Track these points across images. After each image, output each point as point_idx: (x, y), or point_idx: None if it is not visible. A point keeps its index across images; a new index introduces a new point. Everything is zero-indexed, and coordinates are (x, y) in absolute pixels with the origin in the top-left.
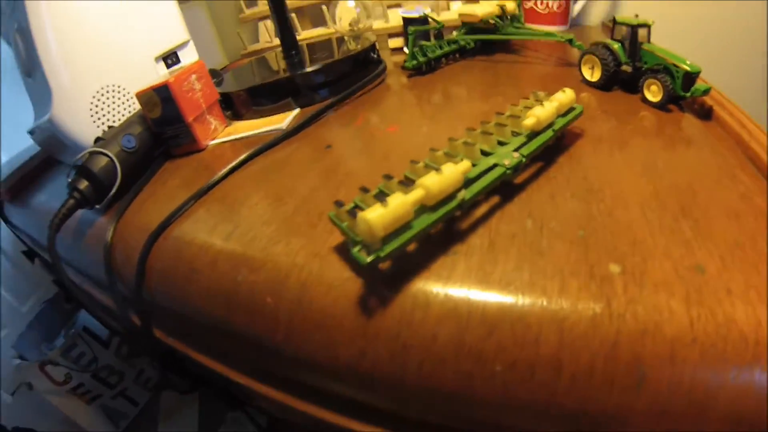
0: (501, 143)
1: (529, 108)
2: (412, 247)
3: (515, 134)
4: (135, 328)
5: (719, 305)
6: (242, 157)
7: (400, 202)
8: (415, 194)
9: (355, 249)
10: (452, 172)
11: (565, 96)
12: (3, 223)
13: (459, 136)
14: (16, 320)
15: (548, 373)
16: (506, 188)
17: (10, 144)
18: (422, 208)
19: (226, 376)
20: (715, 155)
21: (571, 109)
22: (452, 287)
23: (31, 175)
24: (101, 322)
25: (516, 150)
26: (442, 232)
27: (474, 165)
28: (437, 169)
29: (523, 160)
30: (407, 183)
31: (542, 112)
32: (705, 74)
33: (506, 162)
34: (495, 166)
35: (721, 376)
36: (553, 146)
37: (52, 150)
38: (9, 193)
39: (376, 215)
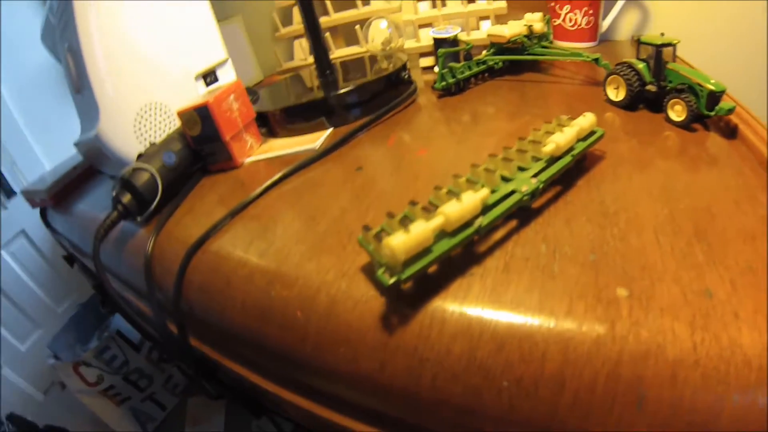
0: (521, 169)
1: (550, 133)
2: (433, 268)
3: (535, 159)
4: (171, 335)
5: (725, 329)
6: (276, 176)
7: (421, 230)
8: (436, 221)
9: (380, 271)
10: (471, 200)
11: (585, 120)
12: (43, 227)
13: (483, 160)
14: (51, 321)
15: (552, 389)
16: (524, 212)
17: (52, 153)
18: (442, 234)
19: (256, 384)
20: (737, 176)
21: (592, 133)
22: (467, 306)
23: (73, 183)
24: (136, 327)
25: (535, 176)
26: (460, 255)
27: (493, 191)
28: (458, 197)
29: (540, 186)
30: (430, 209)
31: (561, 138)
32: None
33: (524, 188)
34: (513, 192)
35: (723, 399)
36: (573, 169)
37: (94, 161)
38: (53, 200)
39: (398, 242)
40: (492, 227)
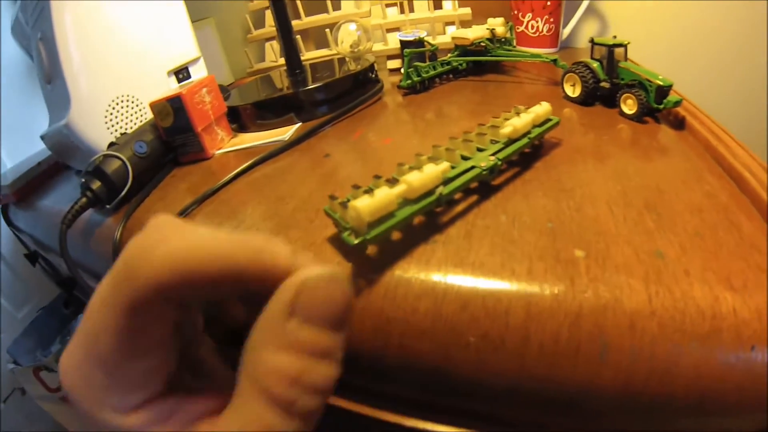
0: (480, 150)
1: (508, 119)
2: (397, 236)
3: (494, 142)
4: None
5: (677, 284)
6: (247, 164)
7: (385, 194)
8: (399, 188)
9: (345, 234)
10: (432, 170)
11: (541, 108)
12: (3, 228)
13: (444, 144)
14: (11, 326)
15: (517, 342)
16: (484, 189)
17: (14, 151)
18: (405, 201)
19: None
20: (685, 161)
21: (548, 120)
22: (431, 269)
23: (38, 179)
24: None
25: (493, 155)
26: (424, 225)
27: (453, 167)
28: (419, 169)
29: (499, 162)
30: (393, 182)
31: (518, 122)
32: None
33: (482, 164)
34: (472, 168)
35: (680, 346)
36: (531, 154)
37: (62, 155)
38: (16, 196)
39: (364, 204)
40: (453, 198)
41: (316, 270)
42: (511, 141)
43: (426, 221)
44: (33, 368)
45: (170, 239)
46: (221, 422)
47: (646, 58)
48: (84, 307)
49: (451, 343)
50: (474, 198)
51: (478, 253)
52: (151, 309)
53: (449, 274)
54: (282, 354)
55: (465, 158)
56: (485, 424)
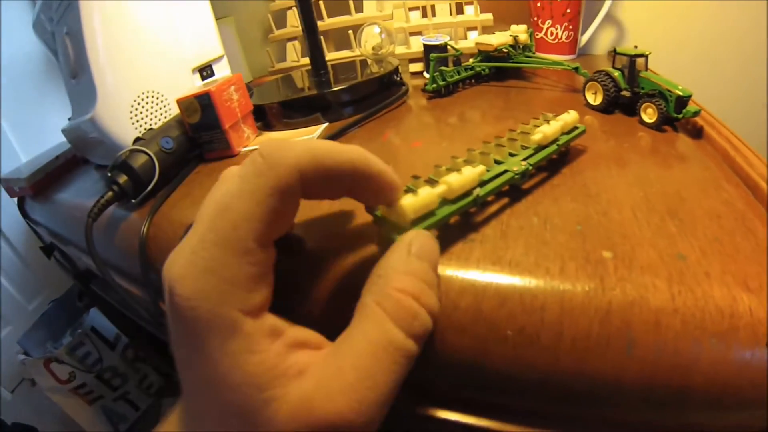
0: (512, 155)
1: (537, 126)
2: (436, 234)
3: (524, 147)
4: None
5: (698, 285)
6: None
7: (427, 193)
8: (440, 188)
9: (388, 230)
10: (470, 173)
11: (569, 116)
12: (14, 222)
13: (476, 147)
14: (21, 318)
15: (551, 337)
16: (516, 192)
17: (28, 146)
18: (444, 201)
19: None
20: (703, 169)
21: (575, 128)
22: (470, 267)
23: (55, 173)
24: (115, 320)
25: (524, 160)
26: (460, 224)
27: (488, 170)
28: (458, 171)
29: (530, 167)
30: (432, 182)
31: (548, 129)
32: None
33: (515, 168)
34: (506, 171)
35: (701, 342)
36: (558, 160)
37: (82, 149)
38: (33, 189)
39: (408, 202)
40: (487, 200)
41: (422, 230)
42: (540, 147)
43: (462, 221)
44: (44, 360)
45: (301, 143)
46: (347, 336)
47: (664, 64)
48: (99, 300)
49: (489, 338)
50: (506, 200)
51: (514, 252)
52: (293, 194)
53: (487, 272)
54: (407, 276)
55: (498, 162)
56: (516, 416)
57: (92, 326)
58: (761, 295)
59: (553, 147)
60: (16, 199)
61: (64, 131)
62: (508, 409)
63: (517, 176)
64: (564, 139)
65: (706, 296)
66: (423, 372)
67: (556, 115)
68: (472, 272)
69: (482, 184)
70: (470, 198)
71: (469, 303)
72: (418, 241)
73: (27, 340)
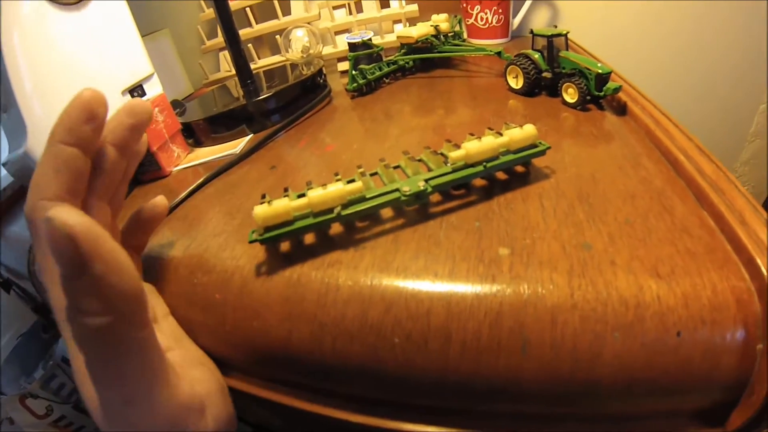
0: (429, 170)
1: (477, 138)
2: (326, 243)
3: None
4: None
5: (601, 275)
6: (199, 181)
7: (282, 205)
8: (298, 202)
9: (251, 232)
10: (335, 189)
11: (521, 132)
12: None
13: (389, 149)
14: None
15: (440, 341)
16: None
17: None
18: (309, 213)
19: None
20: (624, 146)
21: (532, 146)
22: (359, 274)
23: (3, 206)
24: None
25: (428, 180)
26: (354, 233)
27: (389, 184)
28: (323, 186)
29: (429, 189)
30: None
31: (474, 146)
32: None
33: (405, 188)
34: (395, 191)
35: (603, 337)
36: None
37: (25, 180)
38: None
39: (259, 210)
40: (364, 215)
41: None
42: (465, 165)
43: (358, 228)
44: (19, 396)
45: None
46: None
47: (599, 41)
48: None
49: (378, 346)
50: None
51: (404, 257)
52: None
53: (375, 279)
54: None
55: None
56: (417, 414)
57: (63, 356)
58: (672, 280)
59: (478, 168)
60: None
61: (3, 165)
62: (408, 407)
63: (405, 197)
64: (505, 159)
65: (609, 287)
66: (321, 376)
67: (519, 126)
68: (361, 279)
69: (356, 201)
70: (331, 215)
71: (356, 312)
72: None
73: (0, 379)
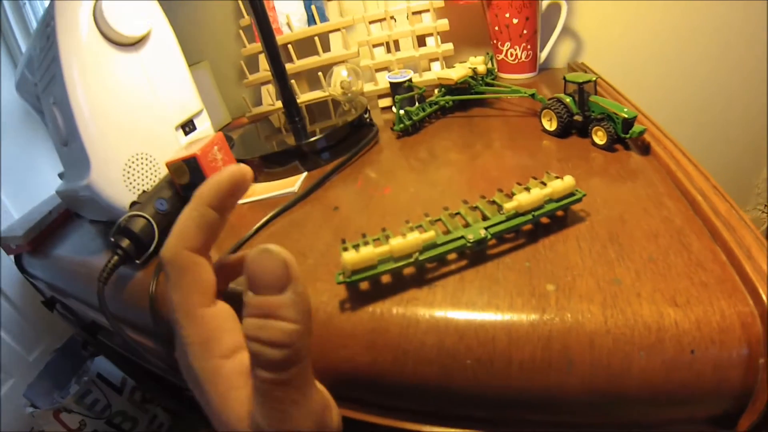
0: (485, 218)
1: (527, 189)
2: (386, 278)
3: (500, 211)
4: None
5: (629, 305)
6: (266, 218)
7: (368, 252)
8: (382, 248)
9: (337, 274)
10: (414, 238)
11: (561, 183)
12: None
13: (442, 192)
14: (23, 370)
15: (503, 362)
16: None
17: (14, 197)
18: (390, 258)
19: None
20: (647, 186)
21: (570, 194)
22: (434, 308)
23: (50, 228)
24: (123, 367)
25: (488, 228)
26: (426, 274)
27: (449, 232)
28: (404, 235)
29: (489, 236)
30: (379, 241)
31: (525, 198)
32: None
33: (470, 236)
34: (461, 237)
35: (631, 355)
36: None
37: (76, 207)
38: (30, 246)
39: (348, 256)
40: (437, 259)
41: (252, 251)
42: (517, 214)
43: (429, 269)
44: (53, 410)
45: None
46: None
47: (622, 69)
48: (106, 349)
49: (452, 366)
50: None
51: (470, 294)
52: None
53: (448, 312)
54: (246, 319)
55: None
56: (481, 424)
57: (98, 372)
58: (687, 308)
59: (528, 217)
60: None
61: (58, 192)
62: (473, 419)
63: (469, 244)
64: (549, 207)
65: (636, 315)
66: (401, 396)
67: (558, 177)
68: (436, 313)
69: (429, 247)
70: (410, 260)
71: (434, 340)
72: (247, 270)
73: (32, 392)
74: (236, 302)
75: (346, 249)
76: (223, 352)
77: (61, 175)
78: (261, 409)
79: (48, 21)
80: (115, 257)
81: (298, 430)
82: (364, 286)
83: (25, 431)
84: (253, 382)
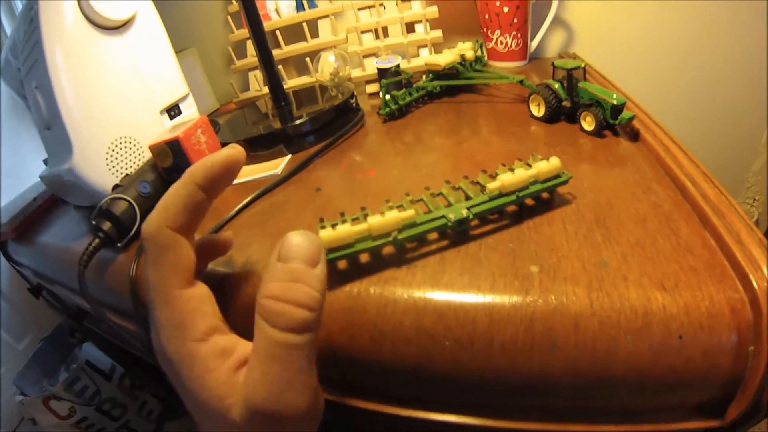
0: (468, 198)
1: (511, 170)
2: (386, 263)
3: (483, 192)
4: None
5: (615, 289)
6: (247, 199)
7: (345, 229)
8: (360, 227)
9: None
10: (392, 216)
11: (547, 165)
12: (4, 262)
13: (426, 175)
14: (13, 358)
15: (484, 343)
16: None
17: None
18: (368, 236)
19: None
20: (636, 172)
21: (556, 176)
22: (413, 289)
23: (35, 214)
24: (111, 353)
25: (470, 208)
26: (406, 253)
27: (431, 212)
28: (382, 214)
29: (471, 216)
30: (358, 220)
31: (509, 178)
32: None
33: (451, 216)
34: (442, 217)
35: (617, 339)
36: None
37: (61, 192)
38: (15, 233)
39: (324, 233)
40: (417, 239)
41: (291, 232)
42: (500, 194)
43: (409, 249)
44: (42, 398)
45: None
46: (253, 341)
47: (612, 60)
48: (91, 334)
49: (431, 347)
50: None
51: (451, 274)
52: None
53: (427, 293)
54: (270, 283)
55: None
56: (464, 410)
57: (87, 360)
58: (675, 292)
59: (512, 197)
60: None
61: (42, 178)
62: (454, 403)
63: (451, 224)
64: (534, 188)
65: (622, 299)
66: (379, 376)
67: (544, 158)
68: (415, 293)
69: (409, 226)
70: (388, 239)
71: (412, 320)
72: (282, 246)
73: (22, 380)
74: (214, 283)
75: (324, 227)
76: (198, 335)
77: (46, 161)
78: (264, 377)
79: (31, 4)
80: (96, 240)
81: (295, 402)
82: (341, 265)
83: (13, 421)
84: (260, 347)
